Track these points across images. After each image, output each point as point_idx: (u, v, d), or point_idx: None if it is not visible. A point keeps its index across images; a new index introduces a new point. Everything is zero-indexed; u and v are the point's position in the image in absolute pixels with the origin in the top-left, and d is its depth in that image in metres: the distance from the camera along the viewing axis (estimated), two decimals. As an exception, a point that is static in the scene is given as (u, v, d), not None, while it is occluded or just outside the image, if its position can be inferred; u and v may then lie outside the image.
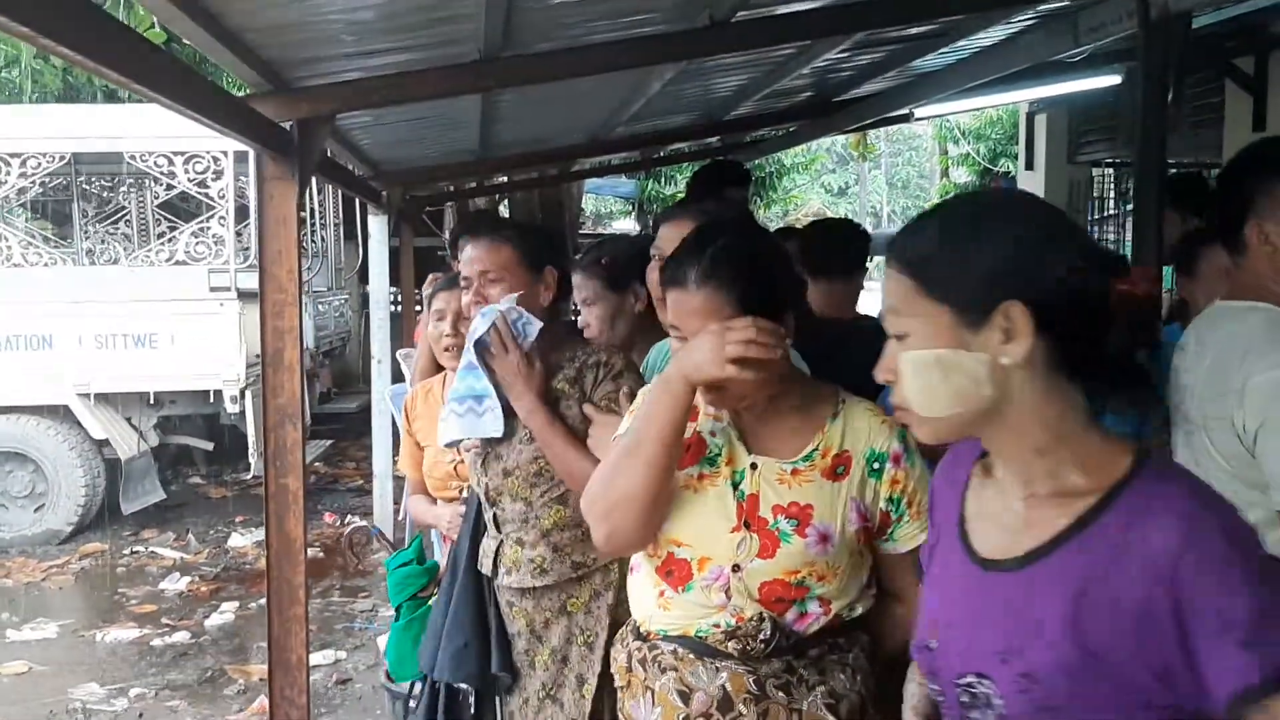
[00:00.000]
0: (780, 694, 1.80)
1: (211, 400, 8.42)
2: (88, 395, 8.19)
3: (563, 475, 2.49)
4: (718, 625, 1.83)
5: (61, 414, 8.23)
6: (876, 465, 1.86)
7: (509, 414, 2.56)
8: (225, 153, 8.15)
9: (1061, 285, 1.25)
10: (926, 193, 28.52)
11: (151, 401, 8.50)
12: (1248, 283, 2.24)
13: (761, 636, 1.80)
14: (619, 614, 2.52)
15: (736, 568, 1.82)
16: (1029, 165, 10.12)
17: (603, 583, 2.57)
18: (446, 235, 10.78)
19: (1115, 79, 6.55)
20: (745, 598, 1.82)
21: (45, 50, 1.95)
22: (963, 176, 19.18)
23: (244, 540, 8.02)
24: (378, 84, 3.53)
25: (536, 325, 2.53)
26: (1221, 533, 1.18)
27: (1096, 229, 10.13)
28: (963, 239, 1.29)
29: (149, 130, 8.11)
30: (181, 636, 6.14)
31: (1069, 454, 1.29)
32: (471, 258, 2.58)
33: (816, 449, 1.88)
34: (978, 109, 12.73)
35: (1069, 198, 9.84)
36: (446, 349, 3.24)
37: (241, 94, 3.41)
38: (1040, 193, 9.88)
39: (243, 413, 8.24)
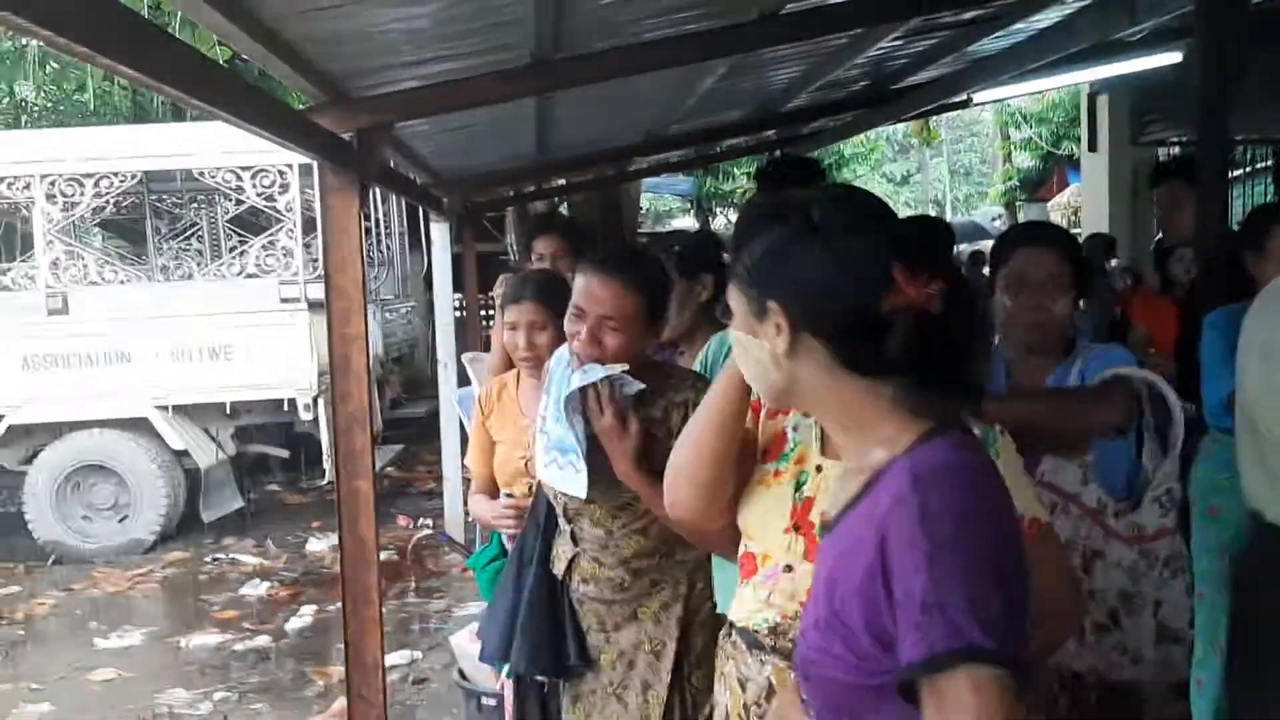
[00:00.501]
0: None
1: (286, 409, 8.59)
2: (166, 408, 8.41)
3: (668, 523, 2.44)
4: (767, 620, 1.84)
5: (141, 427, 8.44)
6: None
7: (599, 464, 2.51)
8: (291, 166, 8.31)
9: (812, 290, 1.34)
10: (989, 179, 28.12)
11: (228, 412, 8.70)
12: None
13: (790, 635, 1.79)
14: (689, 625, 2.60)
15: (789, 568, 1.82)
16: (1092, 147, 9.97)
17: (673, 595, 2.62)
18: (510, 239, 10.88)
19: (1177, 57, 6.44)
20: (787, 598, 1.80)
21: (107, 70, 2.02)
22: (1025, 161, 18.93)
23: (321, 545, 8.17)
24: (434, 92, 3.59)
25: (636, 387, 2.47)
26: (917, 513, 1.22)
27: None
28: (758, 236, 1.41)
29: (217, 147, 8.30)
30: (263, 640, 6.28)
31: (871, 433, 1.36)
32: (598, 297, 2.47)
33: None
34: (1037, 92, 12.57)
35: (1133, 180, 9.67)
36: (524, 359, 3.18)
37: (302, 107, 3.49)
38: (1104, 175, 9.73)
39: (316, 420, 8.40)
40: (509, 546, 3.21)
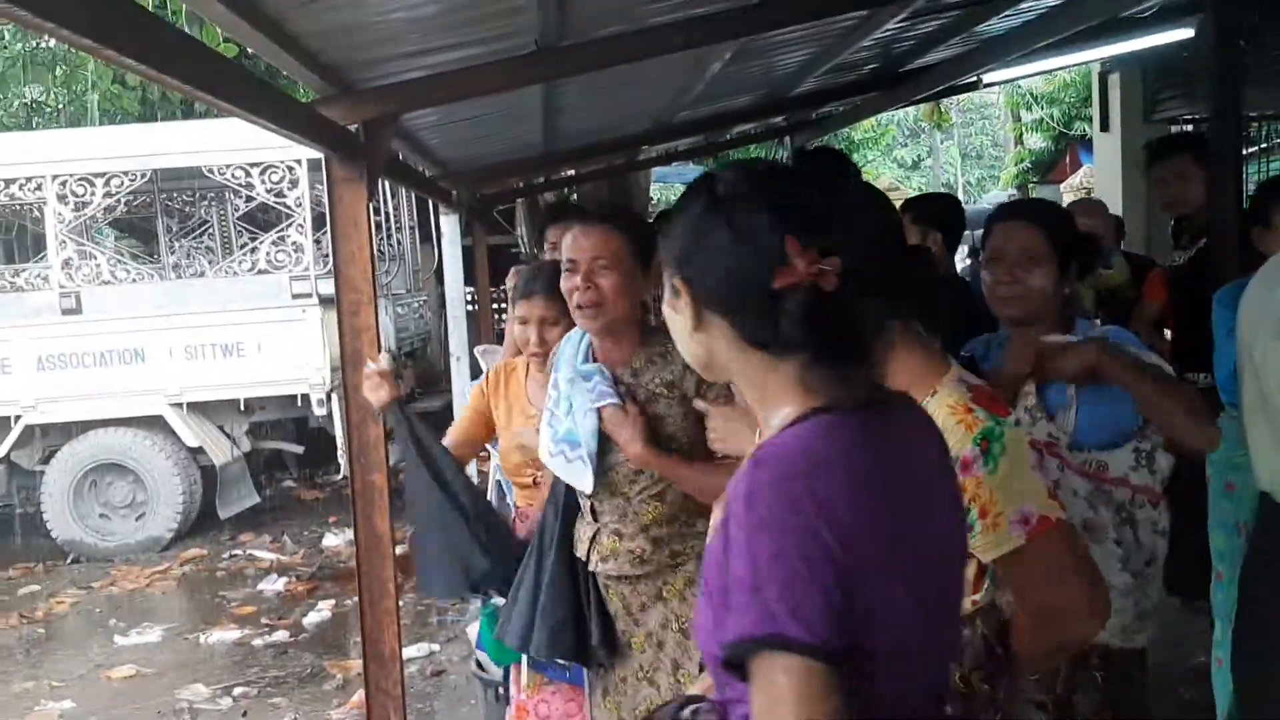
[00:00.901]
0: None
1: (299, 404, 8.63)
2: (180, 405, 8.45)
3: (694, 494, 2.52)
4: None
5: (156, 425, 8.48)
6: None
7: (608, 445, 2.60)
8: (300, 161, 8.32)
9: (709, 265, 1.32)
10: (1001, 162, 27.98)
11: (242, 408, 8.74)
12: None
13: None
14: None
15: None
16: (1104, 127, 9.88)
17: (697, 570, 2.61)
18: (521, 231, 10.88)
19: (1188, 32, 6.37)
20: None
21: (113, 63, 2.02)
22: (1037, 143, 18.80)
23: (337, 540, 8.19)
24: (439, 82, 3.58)
25: (613, 401, 2.56)
26: (745, 498, 1.21)
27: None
28: (672, 214, 1.42)
29: (225, 144, 8.32)
30: (281, 635, 6.30)
31: (774, 409, 1.35)
32: (583, 244, 2.58)
33: None
34: (1048, 71, 12.45)
35: (1146, 159, 9.59)
36: (534, 354, 3.18)
37: (308, 100, 3.48)
38: (1116, 155, 9.66)
39: (330, 415, 8.42)
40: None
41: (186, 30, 5.93)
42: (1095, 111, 10.29)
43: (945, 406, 1.75)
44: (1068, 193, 17.67)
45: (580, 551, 2.71)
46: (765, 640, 1.15)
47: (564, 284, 2.61)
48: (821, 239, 1.28)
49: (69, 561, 8.34)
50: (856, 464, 1.24)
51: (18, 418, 8.42)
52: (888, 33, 5.75)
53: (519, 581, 2.85)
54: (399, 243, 11.32)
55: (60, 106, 13.23)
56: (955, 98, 21.68)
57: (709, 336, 1.36)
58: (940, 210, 4.15)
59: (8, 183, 8.53)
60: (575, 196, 11.00)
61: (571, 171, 9.93)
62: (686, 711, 1.42)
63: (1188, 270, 4.27)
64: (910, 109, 18.19)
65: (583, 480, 2.59)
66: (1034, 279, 2.45)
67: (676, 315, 1.39)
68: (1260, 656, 2.44)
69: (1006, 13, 5.59)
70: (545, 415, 2.71)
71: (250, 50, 3.00)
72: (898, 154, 34.43)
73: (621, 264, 2.55)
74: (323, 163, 3.43)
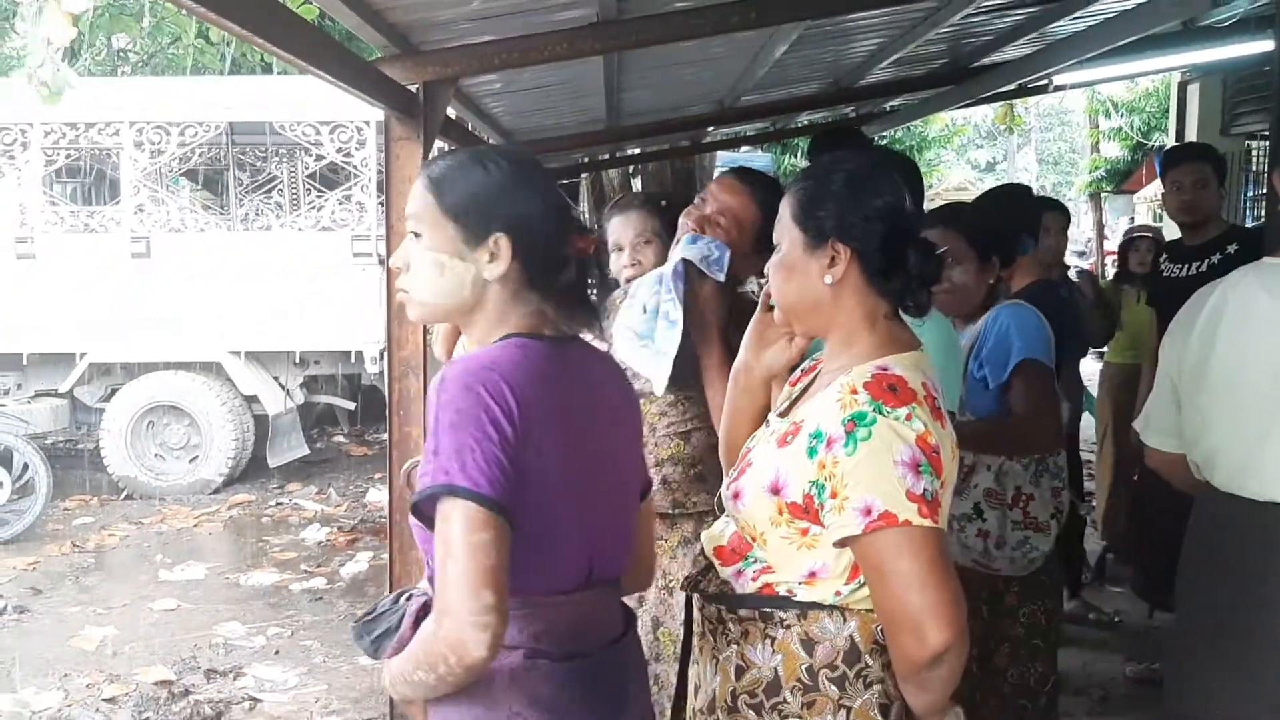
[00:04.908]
0: (709, 636, 1.85)
1: (354, 361, 8.79)
2: (239, 354, 8.65)
3: (717, 406, 2.33)
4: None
5: (215, 370, 8.70)
6: (814, 444, 1.68)
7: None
8: (368, 122, 8.44)
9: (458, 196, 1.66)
10: (1078, 168, 27.52)
11: (297, 361, 8.92)
12: None
13: (696, 569, 1.94)
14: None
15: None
16: (1179, 137, 9.73)
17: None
18: (582, 206, 10.94)
19: (1269, 45, 6.26)
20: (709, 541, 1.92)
21: (184, 9, 2.11)
22: (1114, 151, 18.46)
23: (381, 496, 8.33)
24: (498, 47, 3.64)
25: (718, 276, 2.45)
26: (437, 387, 1.52)
27: (1254, 206, 9.66)
28: (468, 172, 1.69)
29: (297, 101, 8.47)
30: (318, 582, 6.45)
31: (492, 330, 1.69)
32: (630, 225, 3.16)
33: (791, 415, 1.82)
34: (1122, 77, 12.24)
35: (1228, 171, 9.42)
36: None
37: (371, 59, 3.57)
38: (1191, 165, 9.48)
39: (382, 373, 8.56)
40: None
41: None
42: (1171, 121, 10.14)
43: (839, 384, 1.70)
44: (1140, 203, 17.38)
45: None
46: (441, 489, 1.47)
47: (614, 263, 3.06)
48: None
49: (122, 497, 8.60)
50: (532, 370, 1.57)
51: (83, 354, 8.68)
52: (957, 26, 5.71)
53: None
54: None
55: (146, 57, 13.50)
56: (1034, 101, 21.33)
57: (497, 283, 1.67)
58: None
59: (87, 126, 8.76)
60: (638, 180, 11.05)
61: (636, 150, 9.96)
62: (403, 599, 1.71)
63: (1201, 281, 4.31)
64: (987, 110, 17.95)
65: (659, 370, 2.45)
66: (955, 274, 2.87)
67: (464, 266, 1.68)
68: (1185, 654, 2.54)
69: (1078, 13, 5.54)
70: (624, 319, 2.57)
71: (327, 14, 3.08)
72: (972, 155, 34.05)
73: (658, 238, 3.11)
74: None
